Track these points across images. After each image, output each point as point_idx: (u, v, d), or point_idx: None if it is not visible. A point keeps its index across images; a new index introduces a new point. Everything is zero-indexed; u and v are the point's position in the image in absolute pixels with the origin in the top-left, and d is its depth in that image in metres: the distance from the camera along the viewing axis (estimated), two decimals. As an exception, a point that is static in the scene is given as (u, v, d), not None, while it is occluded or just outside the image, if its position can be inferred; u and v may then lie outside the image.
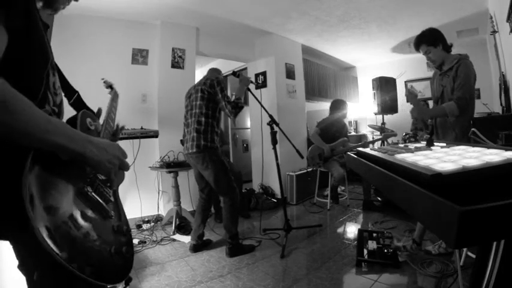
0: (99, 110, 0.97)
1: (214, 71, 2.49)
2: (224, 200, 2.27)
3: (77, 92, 0.89)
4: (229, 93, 3.01)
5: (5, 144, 0.50)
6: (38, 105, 0.59)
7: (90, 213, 0.62)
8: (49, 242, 0.48)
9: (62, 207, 0.55)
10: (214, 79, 2.22)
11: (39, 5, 0.74)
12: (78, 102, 0.89)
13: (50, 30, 0.79)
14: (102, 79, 1.23)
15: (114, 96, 1.14)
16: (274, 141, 2.45)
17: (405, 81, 5.46)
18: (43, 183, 0.54)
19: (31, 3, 0.63)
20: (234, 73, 2.41)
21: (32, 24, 0.62)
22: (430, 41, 1.97)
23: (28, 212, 0.48)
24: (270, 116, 2.42)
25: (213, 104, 2.20)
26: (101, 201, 0.68)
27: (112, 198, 0.76)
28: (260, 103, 2.50)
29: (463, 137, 1.83)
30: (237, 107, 2.16)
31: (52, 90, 0.69)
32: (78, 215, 0.58)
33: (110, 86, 1.21)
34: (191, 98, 2.28)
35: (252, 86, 4.28)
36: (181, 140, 2.55)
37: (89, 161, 0.58)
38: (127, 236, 0.77)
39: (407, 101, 2.05)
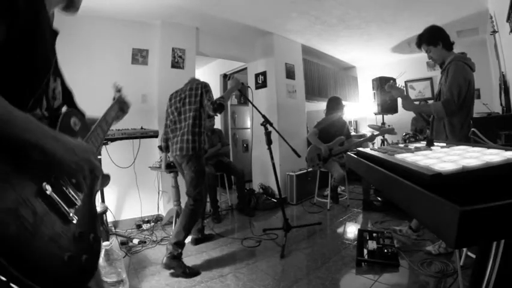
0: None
1: (194, 80, 2.44)
2: (188, 202, 2.19)
3: (70, 91, 0.85)
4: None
5: None
6: (28, 109, 0.59)
7: (42, 213, 0.54)
8: None
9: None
10: (201, 83, 2.24)
11: (60, 6, 0.75)
12: (69, 102, 0.84)
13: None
14: (115, 83, 1.15)
15: (116, 104, 1.06)
16: (269, 142, 2.48)
17: (405, 81, 5.46)
18: None
19: (41, 10, 0.62)
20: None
21: (38, 31, 0.60)
22: (429, 40, 1.99)
23: None
24: (263, 116, 2.46)
25: (202, 108, 2.21)
26: (60, 202, 0.60)
27: (79, 202, 0.67)
28: (252, 104, 2.56)
29: (453, 138, 1.84)
30: (220, 105, 2.14)
31: (51, 95, 0.69)
32: (23, 212, 0.49)
33: (119, 90, 1.14)
34: (181, 102, 2.25)
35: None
36: (159, 146, 2.49)
37: (48, 156, 0.54)
38: (93, 245, 0.70)
39: (393, 96, 2.13)
